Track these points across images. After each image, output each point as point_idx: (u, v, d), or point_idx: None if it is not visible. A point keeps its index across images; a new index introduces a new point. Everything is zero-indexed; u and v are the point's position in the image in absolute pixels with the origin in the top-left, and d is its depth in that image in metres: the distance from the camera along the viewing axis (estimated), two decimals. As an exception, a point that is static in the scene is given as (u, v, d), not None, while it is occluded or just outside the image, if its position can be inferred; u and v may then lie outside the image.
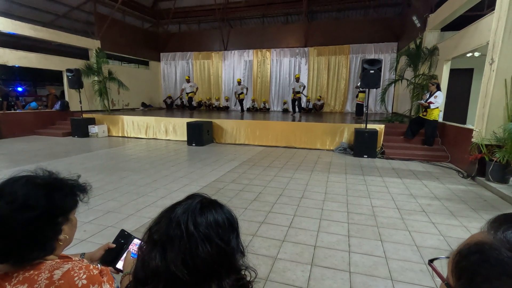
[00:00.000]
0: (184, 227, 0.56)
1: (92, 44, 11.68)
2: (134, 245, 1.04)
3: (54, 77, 13.44)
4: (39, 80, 16.10)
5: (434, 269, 0.42)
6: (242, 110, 12.91)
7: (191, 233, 0.55)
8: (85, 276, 0.69)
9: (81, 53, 11.86)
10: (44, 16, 11.98)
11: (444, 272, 0.39)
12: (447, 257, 0.39)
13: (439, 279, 0.40)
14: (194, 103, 13.39)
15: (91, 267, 0.73)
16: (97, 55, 11.26)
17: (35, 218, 0.71)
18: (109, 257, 1.00)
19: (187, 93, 12.29)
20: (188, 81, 12.45)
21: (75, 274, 0.68)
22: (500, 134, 4.65)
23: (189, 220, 0.57)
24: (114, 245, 1.02)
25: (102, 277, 0.73)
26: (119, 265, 1.01)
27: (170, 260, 0.53)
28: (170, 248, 0.54)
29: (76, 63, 10.72)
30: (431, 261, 0.43)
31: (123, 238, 1.03)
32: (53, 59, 10.49)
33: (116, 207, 3.58)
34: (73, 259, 0.77)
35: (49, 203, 0.75)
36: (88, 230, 2.91)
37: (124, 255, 1.01)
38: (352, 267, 2.35)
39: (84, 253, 1.03)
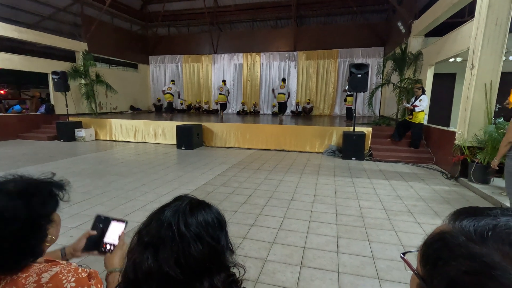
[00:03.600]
0: (175, 227, 0.57)
1: (79, 46, 11.48)
2: (114, 226, 1.04)
3: (39, 79, 13.13)
4: (23, 82, 15.68)
5: (405, 261, 0.46)
6: (218, 111, 12.31)
7: (183, 233, 0.57)
8: (73, 279, 0.69)
9: (68, 55, 11.64)
10: (29, 18, 11.71)
11: (415, 264, 0.43)
12: (417, 250, 0.43)
13: (411, 271, 0.43)
14: (174, 106, 12.76)
15: (80, 270, 0.73)
16: (84, 57, 11.07)
17: (16, 231, 0.68)
18: (91, 243, 1.00)
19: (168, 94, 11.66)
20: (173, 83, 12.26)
21: (64, 277, 0.68)
22: (481, 137, 4.83)
23: (180, 221, 0.58)
24: (94, 232, 1.01)
25: (90, 280, 0.74)
26: (108, 239, 1.01)
27: (163, 261, 0.54)
28: (162, 249, 0.56)
29: (62, 66, 10.51)
30: (403, 254, 0.47)
31: (101, 223, 1.03)
32: (38, 61, 10.26)
33: (104, 212, 3.50)
34: (61, 262, 0.77)
35: (29, 212, 0.70)
36: (75, 236, 2.85)
37: (113, 247, 1.00)
38: (340, 267, 2.39)
39: (64, 247, 1.01)
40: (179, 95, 12.37)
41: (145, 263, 0.55)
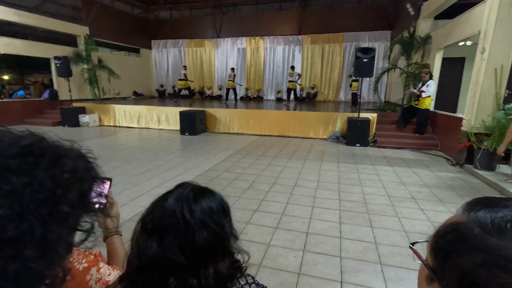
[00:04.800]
0: (179, 215, 0.57)
1: (80, 31, 11.33)
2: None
3: (41, 65, 13.06)
4: (26, 68, 15.63)
5: (414, 252, 0.44)
6: (227, 98, 12.41)
7: (187, 220, 0.57)
8: (84, 260, 0.72)
9: (69, 40, 11.50)
10: (29, 1, 11.50)
11: (424, 254, 0.42)
12: (427, 241, 0.42)
13: (420, 261, 0.42)
14: (184, 92, 13.02)
15: (87, 252, 0.76)
16: (86, 42, 10.94)
17: None
18: None
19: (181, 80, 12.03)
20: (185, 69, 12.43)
21: (75, 260, 0.70)
22: (489, 123, 4.75)
23: (184, 208, 0.58)
24: None
25: (98, 261, 0.76)
26: (94, 198, 0.97)
27: (167, 248, 0.55)
28: (167, 236, 0.56)
29: (64, 50, 10.40)
30: (412, 244, 0.46)
31: None
32: (40, 46, 10.16)
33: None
34: None
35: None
36: (82, 220, 2.92)
37: (102, 206, 0.97)
38: (343, 252, 2.42)
39: None
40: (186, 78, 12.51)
41: (150, 251, 0.56)
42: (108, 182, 0.98)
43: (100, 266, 0.74)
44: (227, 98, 12.38)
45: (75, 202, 0.43)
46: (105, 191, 0.97)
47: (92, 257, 0.75)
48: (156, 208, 0.61)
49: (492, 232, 0.33)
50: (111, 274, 0.77)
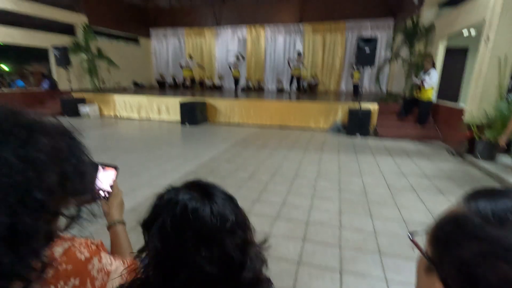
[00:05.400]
0: (232, 219, 0.53)
1: (78, 19, 11.17)
2: (104, 173, 0.95)
3: (40, 55, 12.92)
4: (24, 58, 15.46)
5: (414, 242, 0.44)
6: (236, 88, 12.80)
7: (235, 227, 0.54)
8: (86, 250, 0.72)
9: (67, 28, 11.35)
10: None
11: (423, 244, 0.42)
12: (426, 231, 0.42)
13: (419, 251, 0.42)
14: (187, 83, 13.11)
15: (89, 242, 0.76)
16: (85, 31, 10.80)
17: None
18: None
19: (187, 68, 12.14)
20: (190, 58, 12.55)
21: (76, 250, 0.70)
22: (490, 114, 4.72)
23: (230, 213, 0.55)
24: None
25: (100, 250, 0.77)
26: (100, 185, 0.94)
27: (200, 261, 0.49)
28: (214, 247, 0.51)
29: (63, 40, 10.29)
30: (411, 235, 0.46)
31: None
32: (38, 35, 10.04)
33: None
34: (66, 237, 0.78)
35: None
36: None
37: (108, 194, 0.95)
38: (342, 242, 2.44)
39: None
40: (202, 68, 12.93)
41: (200, 263, 0.49)
42: (114, 171, 0.96)
43: (102, 255, 0.75)
44: (236, 90, 12.65)
45: (54, 186, 0.37)
46: (111, 181, 0.96)
47: (93, 247, 0.76)
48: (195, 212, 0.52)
49: (493, 222, 0.33)
50: (113, 263, 0.78)
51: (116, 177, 0.98)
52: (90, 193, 0.56)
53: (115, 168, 0.97)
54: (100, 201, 0.95)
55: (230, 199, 0.58)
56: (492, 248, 0.32)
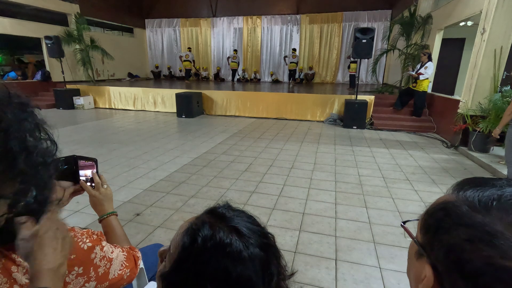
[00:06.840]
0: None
1: (71, 9, 10.91)
2: (83, 165, 0.94)
3: (32, 45, 12.66)
4: (16, 48, 15.14)
5: (405, 229, 0.46)
6: (233, 79, 13.35)
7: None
8: (88, 240, 0.74)
9: (60, 18, 11.09)
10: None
11: (415, 232, 0.44)
12: (417, 219, 0.44)
13: (410, 238, 0.44)
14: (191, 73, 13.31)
15: (90, 232, 0.78)
16: (77, 21, 10.57)
17: None
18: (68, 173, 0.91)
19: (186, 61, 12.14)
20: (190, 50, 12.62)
21: (79, 240, 0.72)
22: (485, 105, 4.76)
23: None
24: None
25: (101, 240, 0.79)
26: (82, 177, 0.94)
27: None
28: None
29: (55, 30, 10.06)
30: (404, 223, 0.48)
31: (66, 164, 0.90)
32: (30, 25, 9.80)
33: (107, 179, 3.58)
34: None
35: None
36: (81, 202, 2.94)
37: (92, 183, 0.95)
38: (338, 232, 2.49)
39: None
40: (193, 62, 12.70)
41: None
42: (93, 163, 0.95)
43: (103, 244, 0.77)
44: (233, 79, 13.26)
45: None
46: (90, 173, 0.96)
47: (95, 236, 0.78)
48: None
49: (479, 209, 0.35)
50: (114, 251, 0.80)
51: (97, 170, 0.97)
52: (43, 174, 0.48)
53: (94, 161, 0.96)
54: (88, 193, 0.95)
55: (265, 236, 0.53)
56: (478, 233, 0.34)
